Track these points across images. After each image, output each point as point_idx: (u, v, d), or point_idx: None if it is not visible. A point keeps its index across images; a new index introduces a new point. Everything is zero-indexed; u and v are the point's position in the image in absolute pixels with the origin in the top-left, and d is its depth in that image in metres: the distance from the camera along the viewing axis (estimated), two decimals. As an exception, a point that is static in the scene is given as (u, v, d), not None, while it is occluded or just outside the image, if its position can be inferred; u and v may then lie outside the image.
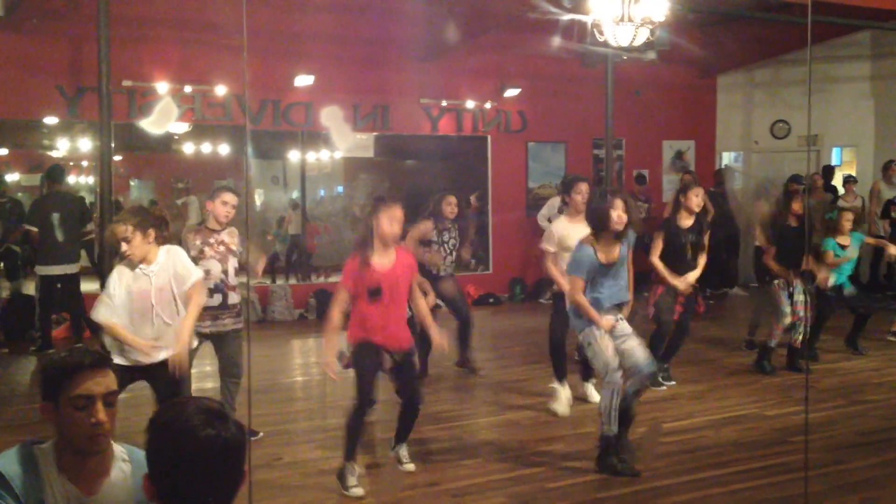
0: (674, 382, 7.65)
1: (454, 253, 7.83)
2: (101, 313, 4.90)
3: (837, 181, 13.65)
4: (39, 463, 2.44)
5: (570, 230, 6.50)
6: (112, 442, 2.54)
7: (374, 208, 5.22)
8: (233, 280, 6.04)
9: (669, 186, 14.11)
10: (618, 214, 5.28)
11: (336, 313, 5.16)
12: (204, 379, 7.41)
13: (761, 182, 13.42)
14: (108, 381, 2.47)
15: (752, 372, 8.06)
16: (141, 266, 4.97)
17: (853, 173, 13.57)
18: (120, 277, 4.96)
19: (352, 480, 5.13)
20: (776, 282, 8.09)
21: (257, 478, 5.03)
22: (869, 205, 12.40)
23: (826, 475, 5.30)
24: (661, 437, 6.14)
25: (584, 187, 6.76)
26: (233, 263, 6.03)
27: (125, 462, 2.54)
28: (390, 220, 5.07)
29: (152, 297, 4.98)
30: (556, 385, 6.93)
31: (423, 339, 6.20)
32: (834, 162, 14.46)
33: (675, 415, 6.77)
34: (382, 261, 5.11)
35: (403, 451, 5.52)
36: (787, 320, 8.02)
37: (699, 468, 5.50)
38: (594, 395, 6.96)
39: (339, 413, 6.95)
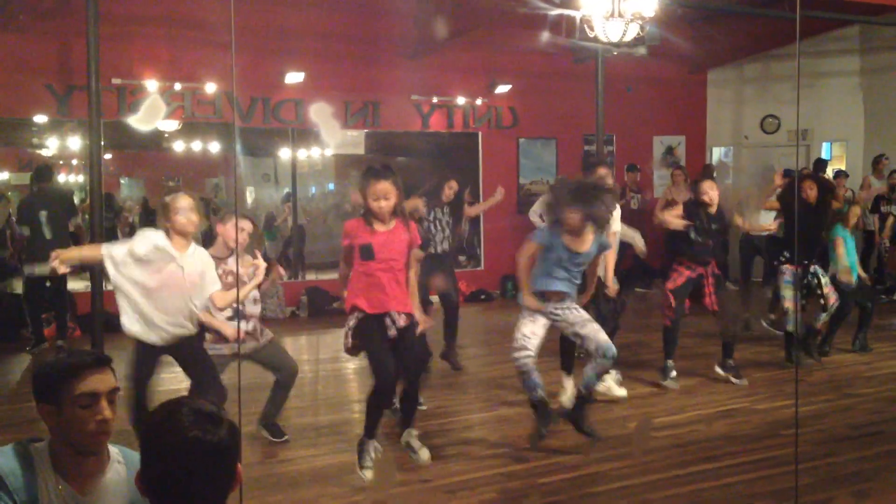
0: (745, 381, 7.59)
1: (447, 231, 7.80)
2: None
3: (828, 176, 13.68)
4: (35, 461, 2.43)
5: None
6: (109, 444, 2.55)
7: (361, 182, 5.19)
8: (251, 309, 5.83)
9: (660, 182, 14.15)
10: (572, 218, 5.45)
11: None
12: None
13: (762, 171, 13.46)
14: (110, 379, 2.49)
15: (742, 366, 8.07)
16: (177, 249, 4.97)
17: (843, 168, 13.62)
18: (152, 244, 4.91)
19: (367, 460, 5.14)
20: (784, 266, 8.05)
21: (250, 476, 5.03)
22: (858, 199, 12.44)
23: (816, 468, 5.33)
24: (652, 432, 6.16)
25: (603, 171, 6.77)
26: (247, 292, 5.53)
27: (119, 463, 2.55)
28: (376, 196, 5.05)
29: (183, 280, 4.97)
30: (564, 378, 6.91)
31: None
32: (824, 156, 14.50)
33: (667, 409, 6.80)
34: (379, 227, 5.13)
35: (412, 438, 5.48)
36: (788, 304, 8.01)
37: (690, 462, 5.52)
38: (615, 390, 7.02)
39: (332, 410, 6.98)
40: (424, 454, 5.47)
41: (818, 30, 13.11)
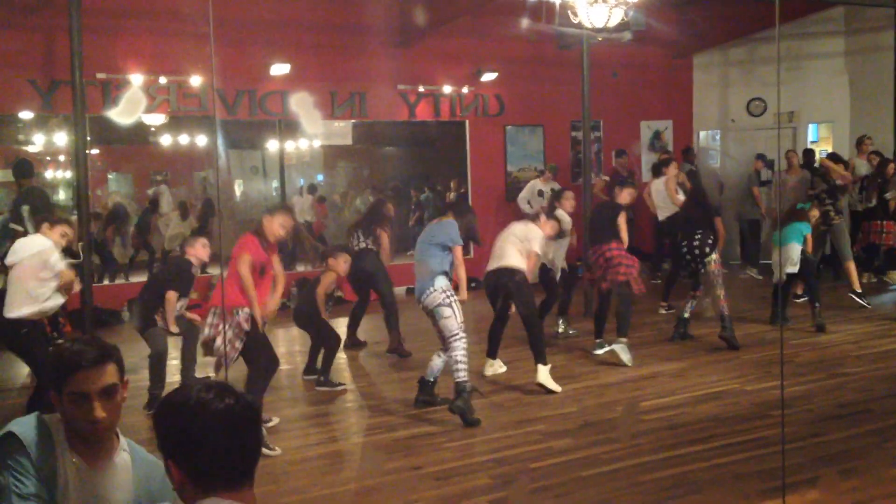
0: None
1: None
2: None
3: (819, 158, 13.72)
4: (53, 432, 2.50)
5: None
6: (118, 433, 2.60)
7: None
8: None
9: (648, 167, 14.16)
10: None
11: None
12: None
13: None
14: (107, 376, 2.49)
15: (732, 349, 8.12)
16: None
17: (829, 149, 13.65)
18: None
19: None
20: (713, 257, 8.29)
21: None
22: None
23: (804, 448, 5.37)
24: (641, 415, 6.20)
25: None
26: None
27: (125, 452, 2.61)
28: (281, 225, 5.90)
29: None
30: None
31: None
32: (810, 138, 14.55)
33: (656, 392, 6.84)
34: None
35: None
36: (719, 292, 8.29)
37: (680, 444, 5.56)
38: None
39: (323, 401, 6.99)
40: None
41: (802, 12, 13.12)
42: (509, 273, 7.05)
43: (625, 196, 8.16)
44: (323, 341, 7.42)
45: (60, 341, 9.01)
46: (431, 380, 6.56)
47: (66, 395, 2.46)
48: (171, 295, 6.78)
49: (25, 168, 9.69)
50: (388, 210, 8.87)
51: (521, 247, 7.20)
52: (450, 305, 6.20)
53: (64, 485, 2.47)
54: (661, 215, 11.00)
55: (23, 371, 7.96)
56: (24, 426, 2.49)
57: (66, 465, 2.49)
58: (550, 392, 6.81)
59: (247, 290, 5.70)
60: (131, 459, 2.60)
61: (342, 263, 7.74)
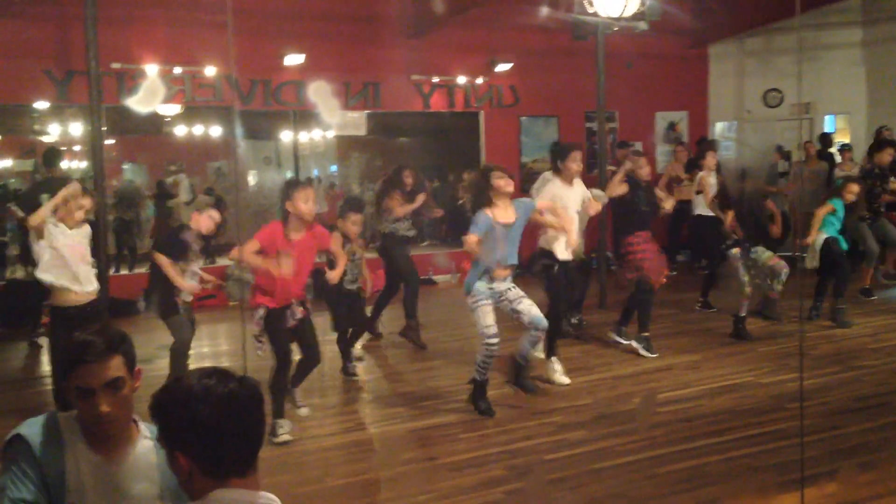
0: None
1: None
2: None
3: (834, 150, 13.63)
4: (63, 432, 2.49)
5: (564, 193, 6.99)
6: (138, 420, 2.59)
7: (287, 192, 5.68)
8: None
9: (663, 158, 14.10)
10: (497, 183, 5.92)
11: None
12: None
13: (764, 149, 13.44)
14: (111, 369, 2.46)
15: (747, 341, 8.09)
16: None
17: (847, 141, 13.56)
18: None
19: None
20: (733, 251, 8.18)
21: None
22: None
23: (822, 440, 5.34)
24: (657, 407, 6.18)
25: (578, 155, 7.10)
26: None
27: (147, 439, 2.58)
28: (304, 200, 5.60)
29: None
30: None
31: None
32: (827, 129, 14.44)
33: (672, 384, 6.81)
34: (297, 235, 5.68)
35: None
36: (748, 289, 8.14)
37: (696, 437, 5.53)
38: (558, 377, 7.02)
39: (339, 391, 7.00)
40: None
41: (820, 2, 13.00)
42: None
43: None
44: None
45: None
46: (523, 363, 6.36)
47: (73, 389, 2.46)
48: (160, 258, 6.50)
49: (51, 158, 9.70)
50: (404, 177, 8.43)
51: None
52: (474, 311, 6.06)
53: (77, 483, 2.45)
54: (701, 210, 9.84)
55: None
56: (33, 427, 2.48)
57: (80, 462, 2.47)
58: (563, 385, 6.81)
59: (259, 267, 5.55)
60: (153, 444, 2.57)
61: (350, 225, 7.15)
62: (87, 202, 6.05)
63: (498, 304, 6.06)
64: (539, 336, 6.18)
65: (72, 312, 5.76)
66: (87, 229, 6.03)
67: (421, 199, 8.37)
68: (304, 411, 6.18)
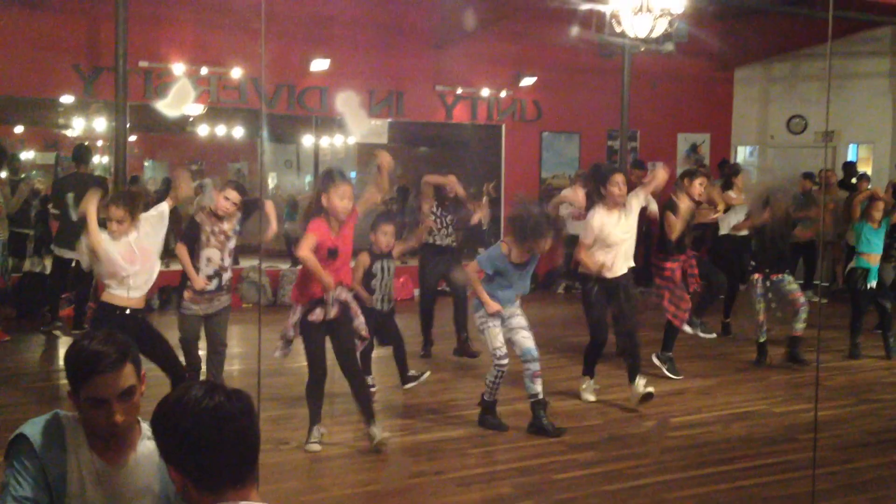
0: None
1: (449, 227, 8.08)
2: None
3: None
4: (66, 433, 2.48)
5: (608, 222, 6.56)
6: (140, 420, 2.58)
7: (323, 184, 5.39)
8: (227, 262, 6.27)
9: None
10: (546, 242, 5.76)
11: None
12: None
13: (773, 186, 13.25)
14: (125, 378, 2.44)
15: (761, 368, 8.03)
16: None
17: (868, 171, 13.47)
18: None
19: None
20: (753, 277, 8.07)
21: (264, 461, 5.04)
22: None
23: (834, 474, 5.29)
24: (668, 432, 6.13)
25: (620, 178, 6.58)
26: (229, 247, 6.24)
27: (149, 440, 2.56)
28: (340, 197, 5.30)
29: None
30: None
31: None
32: (850, 158, 14.36)
33: (684, 409, 6.76)
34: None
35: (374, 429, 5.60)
36: (760, 317, 8.04)
37: (706, 463, 5.49)
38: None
39: (349, 400, 6.98)
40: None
41: (849, 30, 12.96)
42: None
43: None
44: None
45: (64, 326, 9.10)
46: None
47: (84, 400, 2.42)
48: (180, 248, 6.19)
49: (82, 154, 9.75)
50: (429, 180, 8.17)
51: None
52: (483, 332, 6.08)
53: (78, 485, 2.45)
54: (727, 229, 9.50)
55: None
56: (36, 427, 2.47)
57: (82, 465, 2.47)
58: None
59: (315, 273, 5.24)
60: (155, 444, 2.53)
61: (381, 236, 6.84)
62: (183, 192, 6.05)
63: (502, 326, 6.04)
64: (532, 370, 5.98)
65: (118, 313, 5.53)
66: (142, 228, 5.63)
67: (425, 226, 8.02)
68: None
